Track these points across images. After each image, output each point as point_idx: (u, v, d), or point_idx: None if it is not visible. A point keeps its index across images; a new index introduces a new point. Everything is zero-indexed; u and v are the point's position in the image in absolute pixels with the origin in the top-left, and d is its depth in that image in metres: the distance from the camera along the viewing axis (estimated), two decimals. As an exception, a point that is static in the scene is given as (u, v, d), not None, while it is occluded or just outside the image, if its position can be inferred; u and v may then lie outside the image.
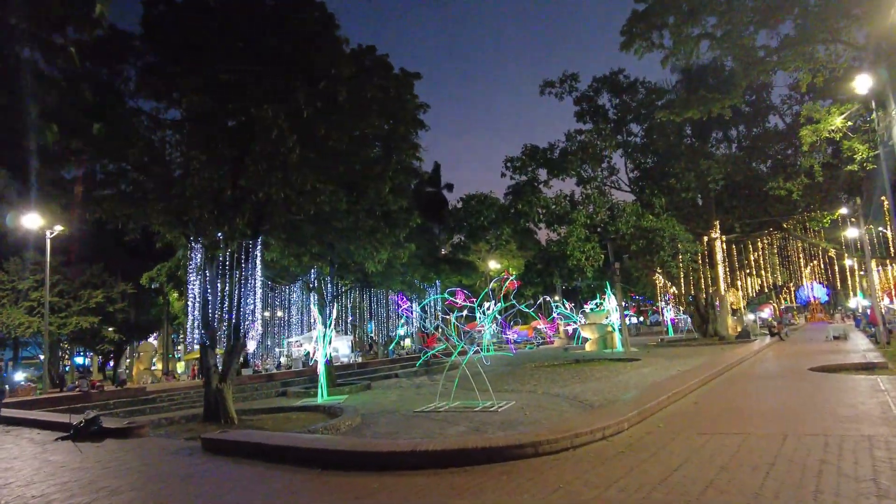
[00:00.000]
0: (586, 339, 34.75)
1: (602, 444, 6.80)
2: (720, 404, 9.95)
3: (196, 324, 14.22)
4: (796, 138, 27.96)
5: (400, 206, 18.82)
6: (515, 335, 44.49)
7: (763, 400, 10.18)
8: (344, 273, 27.05)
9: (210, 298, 14.33)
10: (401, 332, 42.65)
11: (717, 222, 30.59)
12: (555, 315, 42.90)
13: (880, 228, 31.99)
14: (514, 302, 17.35)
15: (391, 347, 28.14)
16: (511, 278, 16.02)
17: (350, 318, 33.54)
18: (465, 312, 15.24)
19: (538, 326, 48.96)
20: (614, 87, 33.39)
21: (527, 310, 20.89)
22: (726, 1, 12.31)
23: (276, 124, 11.70)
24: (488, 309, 23.65)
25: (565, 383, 16.13)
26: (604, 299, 34.55)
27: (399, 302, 14.82)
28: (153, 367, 36.38)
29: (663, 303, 39.73)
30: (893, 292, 32.13)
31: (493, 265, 44.63)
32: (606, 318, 34.82)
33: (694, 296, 33.67)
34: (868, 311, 30.90)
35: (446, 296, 16.11)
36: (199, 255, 14.37)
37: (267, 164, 12.49)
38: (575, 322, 41.29)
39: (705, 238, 30.75)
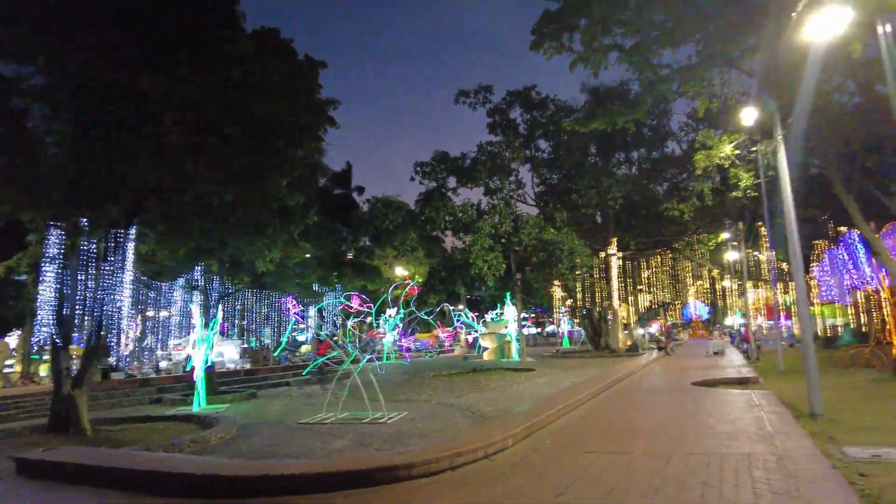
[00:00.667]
0: (486, 349, 34.96)
1: (485, 463, 6.34)
2: (608, 419, 9.88)
3: (46, 321, 12.39)
4: (690, 164, 29.85)
5: (297, 201, 17.71)
6: (416, 343, 43.91)
7: (650, 415, 10.25)
8: (236, 272, 25.28)
9: (69, 293, 12.59)
10: (300, 337, 40.80)
11: (614, 239, 31.90)
12: (457, 324, 42.97)
13: (755, 253, 34.75)
14: (413, 309, 16.77)
15: (277, 353, 26.64)
16: (411, 284, 15.45)
17: (241, 321, 31.50)
18: (367, 319, 14.44)
19: (439, 335, 48.80)
20: (526, 102, 34.09)
21: (426, 317, 20.41)
22: (636, 11, 12.57)
23: (152, 98, 10.39)
24: (390, 316, 23.06)
25: (461, 393, 15.75)
26: (504, 309, 34.98)
27: (288, 305, 13.73)
28: (8, 370, 32.14)
29: (560, 315, 40.90)
30: (764, 312, 34.96)
31: (401, 271, 43.96)
32: (505, 327, 35.37)
33: (589, 309, 34.84)
34: (742, 330, 33.38)
35: (342, 300, 15.25)
36: (57, 242, 12.60)
37: (142, 144, 11.09)
38: (476, 331, 41.53)
39: (602, 253, 31.93)
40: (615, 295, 32.23)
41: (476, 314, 53.64)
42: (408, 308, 16.65)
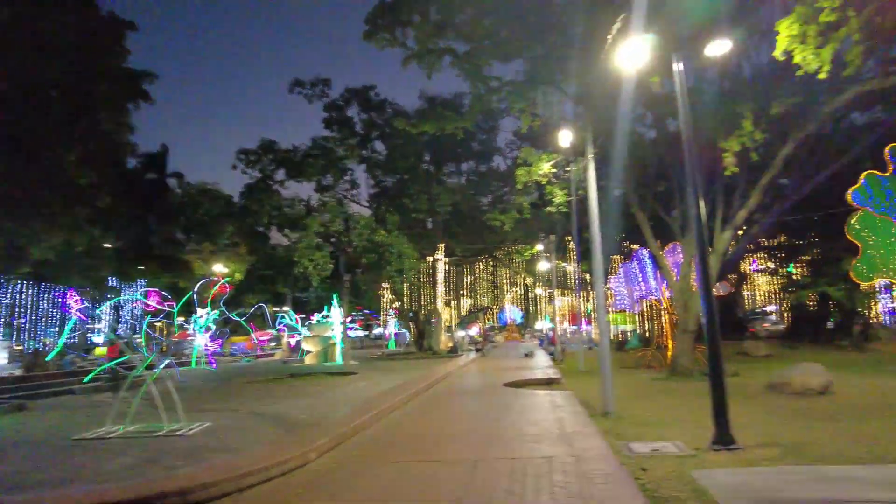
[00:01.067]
0: (309, 352, 33.70)
1: (279, 482, 5.67)
2: (422, 424, 9.75)
3: None
4: (513, 179, 31.98)
5: (89, 180, 15.15)
6: (233, 347, 40.81)
7: (462, 419, 10.34)
8: (8, 261, 21.03)
9: None
10: (96, 338, 35.42)
11: (442, 245, 32.79)
12: (279, 326, 40.77)
13: (564, 264, 38.18)
14: (224, 309, 15.25)
15: (50, 357, 22.67)
16: (222, 282, 14.00)
17: (11, 319, 26.38)
18: (178, 320, 12.68)
19: (255, 338, 45.96)
20: (365, 101, 33.69)
21: (238, 318, 18.80)
22: (471, 17, 12.83)
23: None
24: (201, 317, 20.81)
25: (275, 400, 14.63)
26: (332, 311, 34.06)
27: (70, 301, 11.57)
28: None
29: (388, 317, 41.05)
30: (569, 317, 38.49)
31: (220, 268, 40.47)
32: (331, 330, 34.52)
33: (415, 312, 35.36)
34: (549, 333, 36.38)
35: (138, 297, 13.30)
36: None
37: None
38: (300, 334, 39.82)
39: (430, 258, 32.61)
40: (440, 298, 33.09)
41: (302, 316, 51.71)
42: (218, 308, 15.09)
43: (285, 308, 52.20)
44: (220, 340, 24.31)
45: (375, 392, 14.39)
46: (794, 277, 29.45)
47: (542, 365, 23.30)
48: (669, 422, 9.33)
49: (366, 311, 60.78)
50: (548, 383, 16.61)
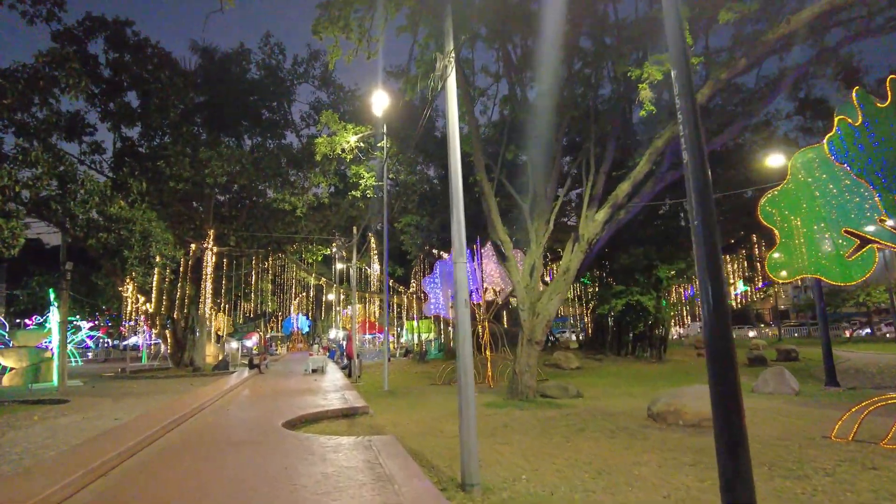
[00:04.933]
0: (11, 369, 24.33)
1: None
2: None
3: None
4: (307, 165, 26.53)
5: None
6: None
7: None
8: None
9: None
10: None
11: (212, 231, 25.75)
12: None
13: (365, 265, 33.74)
14: None
15: None
16: None
17: None
18: None
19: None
20: (117, 39, 25.36)
21: None
22: None
23: None
24: None
25: None
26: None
27: None
28: None
29: (135, 323, 31.99)
30: (366, 326, 34.03)
31: None
32: (46, 339, 25.60)
33: (172, 317, 27.59)
34: (344, 344, 31.51)
35: None
36: None
37: None
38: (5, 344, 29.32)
39: (193, 246, 25.41)
40: (207, 300, 26.01)
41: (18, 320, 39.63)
42: None
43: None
44: None
45: (81, 438, 8.99)
46: (595, 287, 29.21)
47: (335, 385, 18.39)
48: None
49: (112, 315, 49.19)
50: (349, 415, 11.88)
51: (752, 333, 47.45)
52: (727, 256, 28.35)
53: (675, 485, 5.84)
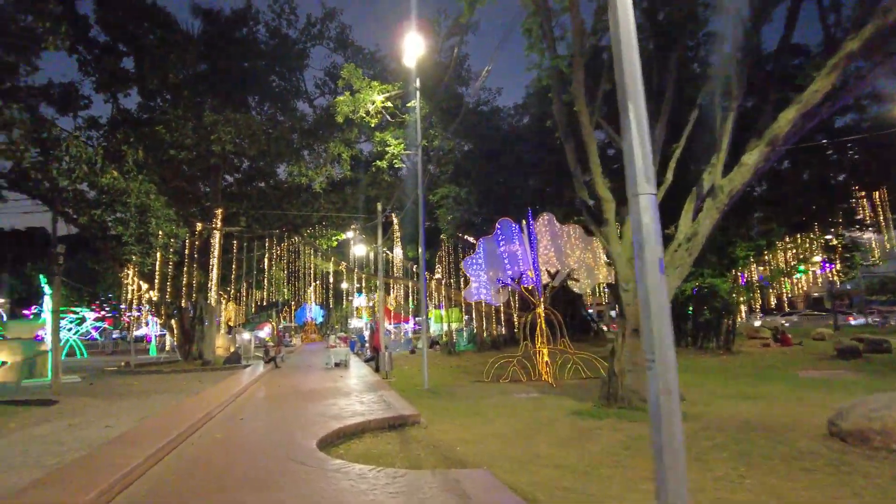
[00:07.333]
0: (3, 364, 22.13)
1: None
2: None
3: None
4: (321, 140, 23.72)
5: None
6: None
7: None
8: None
9: None
10: None
11: (220, 211, 23.04)
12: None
13: (385, 250, 31.01)
14: None
15: None
16: None
17: None
18: None
19: None
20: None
21: None
22: None
23: None
24: None
25: None
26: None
27: None
28: None
29: (140, 312, 29.53)
30: (391, 315, 31.42)
31: None
32: (41, 330, 23.38)
33: (179, 306, 25.07)
34: (366, 334, 28.88)
35: None
36: None
37: None
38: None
39: (200, 226, 22.74)
40: (215, 286, 23.42)
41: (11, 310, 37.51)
42: None
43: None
44: None
45: (41, 464, 6.39)
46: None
47: (366, 382, 15.76)
48: None
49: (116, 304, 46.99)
50: (396, 426, 9.23)
51: (788, 320, 44.06)
52: (798, 236, 25.37)
53: None
